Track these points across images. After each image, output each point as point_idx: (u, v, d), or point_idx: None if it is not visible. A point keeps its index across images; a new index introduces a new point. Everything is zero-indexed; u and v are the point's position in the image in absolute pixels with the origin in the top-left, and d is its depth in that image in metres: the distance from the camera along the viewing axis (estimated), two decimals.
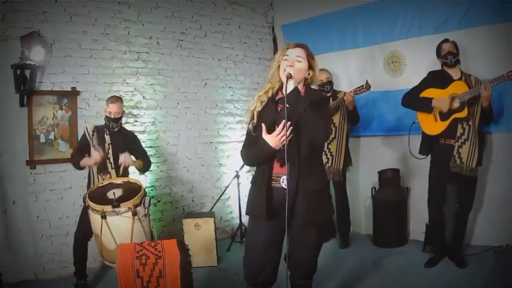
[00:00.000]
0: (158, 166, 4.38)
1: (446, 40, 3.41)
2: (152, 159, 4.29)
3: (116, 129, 3.37)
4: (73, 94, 3.84)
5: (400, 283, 3.23)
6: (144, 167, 3.53)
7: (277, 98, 2.19)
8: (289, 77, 2.06)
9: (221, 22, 4.88)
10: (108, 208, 2.84)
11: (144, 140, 4.28)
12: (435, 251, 3.56)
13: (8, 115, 3.56)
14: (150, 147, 4.32)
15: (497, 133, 3.74)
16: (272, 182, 2.15)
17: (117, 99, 3.39)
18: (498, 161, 3.76)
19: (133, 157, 3.39)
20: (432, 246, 3.70)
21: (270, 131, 2.06)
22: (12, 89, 3.50)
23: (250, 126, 2.19)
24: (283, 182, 2.12)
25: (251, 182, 2.28)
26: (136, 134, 3.70)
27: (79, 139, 3.50)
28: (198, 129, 4.69)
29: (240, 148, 2.29)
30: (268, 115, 2.15)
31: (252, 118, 2.18)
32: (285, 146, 2.03)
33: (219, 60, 4.86)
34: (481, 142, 3.34)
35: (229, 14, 4.95)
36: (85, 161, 3.23)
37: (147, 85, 4.32)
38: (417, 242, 4.06)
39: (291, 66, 2.09)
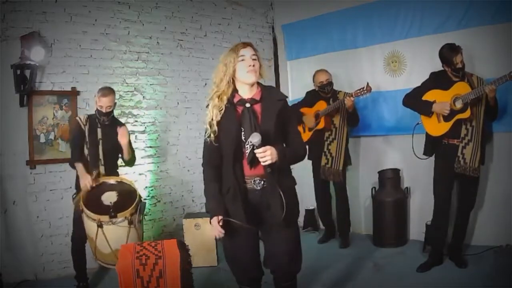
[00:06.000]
0: (158, 166, 4.38)
1: (457, 49, 3.21)
2: (152, 159, 4.32)
3: (107, 123, 3.26)
4: (73, 94, 3.84)
5: (400, 283, 3.22)
6: (131, 161, 3.42)
7: (235, 101, 2.12)
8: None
9: (221, 22, 4.88)
10: (105, 218, 2.83)
11: (144, 140, 4.29)
12: (429, 256, 3.50)
13: (8, 115, 3.56)
14: (150, 147, 4.32)
15: (498, 132, 3.73)
16: (245, 184, 2.11)
17: (109, 92, 3.23)
18: (499, 160, 3.76)
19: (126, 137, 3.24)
20: (430, 248, 3.68)
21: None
22: (12, 89, 3.51)
23: (212, 136, 2.08)
24: (256, 182, 2.10)
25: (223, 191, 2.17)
26: (130, 130, 3.58)
27: (73, 132, 3.33)
28: (198, 129, 4.67)
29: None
30: (230, 121, 2.07)
31: (212, 129, 2.08)
32: (248, 151, 2.01)
33: (219, 60, 4.84)
34: (484, 142, 3.33)
35: (229, 14, 4.95)
36: (77, 167, 3.11)
37: (147, 85, 4.32)
38: (417, 242, 4.06)
39: (252, 66, 2.08)
